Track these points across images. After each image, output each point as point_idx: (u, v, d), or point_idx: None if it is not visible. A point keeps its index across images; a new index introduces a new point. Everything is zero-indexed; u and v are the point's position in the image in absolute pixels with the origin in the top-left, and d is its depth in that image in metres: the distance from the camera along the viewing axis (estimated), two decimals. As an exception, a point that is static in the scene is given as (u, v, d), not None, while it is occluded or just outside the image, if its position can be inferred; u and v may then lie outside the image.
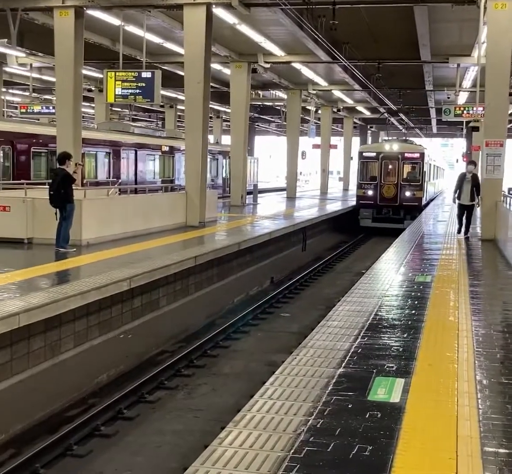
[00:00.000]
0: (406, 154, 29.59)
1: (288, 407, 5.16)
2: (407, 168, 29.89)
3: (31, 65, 27.44)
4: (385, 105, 34.23)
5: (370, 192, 29.49)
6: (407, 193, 29.26)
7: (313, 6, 16.00)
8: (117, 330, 10.90)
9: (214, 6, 17.06)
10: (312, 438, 4.61)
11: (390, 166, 29.57)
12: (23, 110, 27.63)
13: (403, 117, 38.58)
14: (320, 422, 4.88)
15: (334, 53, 19.84)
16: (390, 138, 37.35)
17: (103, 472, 6.75)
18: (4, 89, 29.46)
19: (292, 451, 4.40)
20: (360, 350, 6.69)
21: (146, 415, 8.19)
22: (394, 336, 7.27)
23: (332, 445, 4.51)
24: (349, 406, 5.20)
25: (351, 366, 6.18)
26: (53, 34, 17.78)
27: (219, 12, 17.58)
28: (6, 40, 19.34)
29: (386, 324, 7.77)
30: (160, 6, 17.30)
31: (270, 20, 19.09)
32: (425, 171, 30.26)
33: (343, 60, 21.04)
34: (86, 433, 7.44)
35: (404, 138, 37.45)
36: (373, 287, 10.12)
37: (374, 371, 6.05)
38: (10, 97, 38.63)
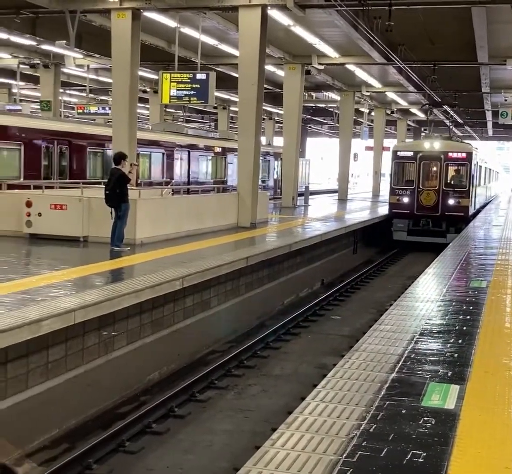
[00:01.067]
0: (450, 154, 24.39)
1: (341, 411, 5.14)
2: (451, 171, 24.86)
3: (88, 66, 27.98)
4: (439, 108, 33.73)
5: (405, 200, 24.45)
6: (451, 201, 24.09)
7: (369, 8, 15.88)
8: (169, 328, 11.01)
9: (269, 7, 17.09)
10: (365, 442, 4.57)
11: (430, 169, 24.58)
12: (80, 111, 28.17)
13: (448, 109, 33.67)
14: (373, 427, 4.84)
15: (389, 55, 19.66)
16: (433, 134, 31.54)
17: (154, 469, 6.83)
18: (61, 90, 30.04)
19: (344, 455, 4.37)
20: (413, 355, 6.62)
21: (197, 413, 8.26)
22: (448, 341, 7.16)
23: (385, 450, 4.46)
24: (403, 412, 5.15)
25: (404, 371, 6.11)
26: (110, 36, 18.08)
27: (274, 13, 17.61)
28: (65, 41, 19.76)
29: (440, 329, 7.66)
30: (216, 8, 17.42)
31: (324, 21, 19.03)
32: (473, 175, 25.26)
33: (398, 61, 20.85)
34: (138, 430, 7.54)
35: (448, 135, 32.30)
36: (426, 291, 9.99)
37: (428, 376, 5.97)
38: (67, 98, 39.41)
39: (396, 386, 5.71)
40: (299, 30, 19.77)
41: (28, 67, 27.84)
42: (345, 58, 24.15)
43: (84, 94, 34.10)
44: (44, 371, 8.07)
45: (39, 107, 28.76)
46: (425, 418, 5.04)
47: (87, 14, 18.67)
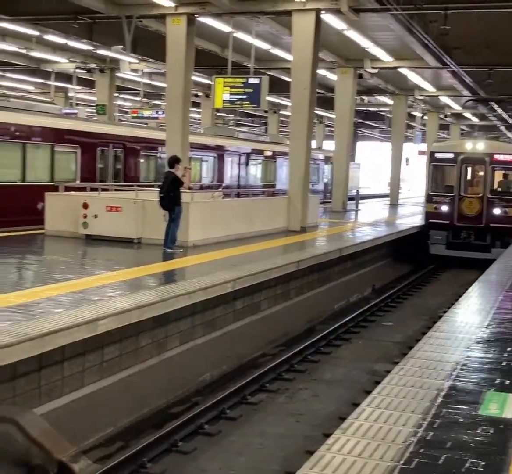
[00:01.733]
0: (496, 157, 21.19)
1: (397, 418, 5.10)
2: (497, 175, 21.73)
3: (142, 71, 28.39)
4: (494, 112, 33.16)
5: (444, 208, 21.34)
6: (497, 211, 20.99)
7: (425, 11, 15.75)
8: (220, 330, 11.09)
9: (323, 12, 17.09)
10: (422, 450, 4.53)
11: (473, 173, 21.80)
12: (134, 115, 28.58)
13: (496, 107, 31.58)
14: (430, 434, 4.79)
15: (444, 58, 19.45)
16: (477, 133, 29.03)
17: (207, 470, 6.88)
18: (116, 94, 30.55)
19: (402, 462, 4.34)
20: (469, 363, 6.53)
21: (248, 416, 8.29)
22: (505, 350, 7.04)
23: (443, 458, 4.42)
24: (460, 420, 5.08)
25: (460, 379, 6.04)
26: (165, 41, 18.31)
27: (328, 18, 17.59)
28: (121, 46, 20.12)
29: (496, 338, 7.53)
30: (270, 13, 17.49)
31: (378, 25, 18.93)
32: None
33: (453, 65, 20.60)
34: (191, 430, 7.61)
35: (495, 135, 29.58)
36: (482, 298, 9.84)
37: (485, 385, 5.88)
38: (121, 102, 40.04)
39: (452, 394, 5.64)
40: (352, 34, 19.70)
41: (84, 71, 28.40)
42: (398, 62, 23.96)
43: (138, 99, 34.60)
44: (99, 370, 8.22)
45: (94, 111, 29.29)
46: (483, 427, 4.96)
47: (142, 19, 18.94)
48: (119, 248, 13.00)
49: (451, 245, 21.40)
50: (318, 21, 17.21)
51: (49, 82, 30.25)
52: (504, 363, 6.56)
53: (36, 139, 17.23)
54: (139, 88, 31.35)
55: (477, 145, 21.52)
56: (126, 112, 38.09)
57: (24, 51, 25.05)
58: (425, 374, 6.13)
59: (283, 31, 19.42)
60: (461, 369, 6.30)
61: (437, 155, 21.83)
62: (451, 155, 21.48)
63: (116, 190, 16.87)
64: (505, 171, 21.85)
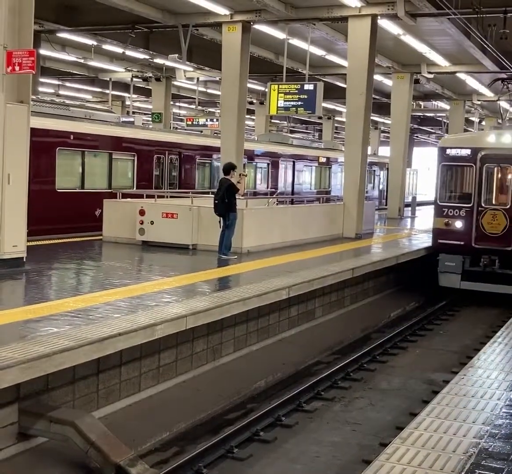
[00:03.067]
0: None
1: (457, 428, 4.99)
2: None
3: (197, 79, 28.70)
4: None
5: (458, 224, 16.03)
6: None
7: (483, 15, 15.48)
8: (274, 337, 11.07)
9: (379, 17, 16.97)
10: (484, 461, 4.43)
11: (498, 176, 16.08)
12: (189, 123, 28.88)
13: None
14: (492, 446, 4.68)
15: (504, 63, 19.08)
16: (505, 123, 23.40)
17: (262, 477, 6.86)
18: (171, 102, 30.94)
19: (463, 473, 4.24)
20: (532, 373, 6.35)
21: (303, 424, 8.23)
22: None
23: (505, 470, 4.30)
24: (523, 432, 4.94)
25: (523, 389, 5.88)
26: (220, 48, 18.46)
27: (384, 23, 17.47)
28: (177, 55, 20.37)
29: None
30: (325, 19, 17.47)
31: (435, 30, 18.69)
32: None
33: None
34: (246, 437, 7.60)
35: None
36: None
37: (549, 396, 5.71)
38: (176, 110, 40.55)
39: (515, 404, 5.50)
40: (408, 39, 19.52)
41: (141, 80, 28.86)
42: (456, 67, 23.63)
43: (193, 106, 34.98)
44: (155, 374, 8.29)
45: (150, 119, 29.72)
46: (547, 440, 4.81)
47: (198, 28, 19.14)
48: (174, 254, 13.12)
49: (468, 275, 15.94)
50: (374, 26, 17.10)
51: (107, 91, 30.86)
52: None
53: (95, 147, 17.57)
54: (194, 96, 31.69)
55: (504, 138, 15.87)
56: (181, 120, 38.54)
57: (82, 61, 25.61)
58: (486, 384, 6.00)
59: (338, 37, 19.35)
60: (524, 380, 6.14)
61: (450, 152, 16.20)
62: (468, 152, 15.94)
63: (171, 197, 17.05)
64: None
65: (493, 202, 15.99)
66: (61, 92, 35.94)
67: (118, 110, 33.34)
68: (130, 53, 23.68)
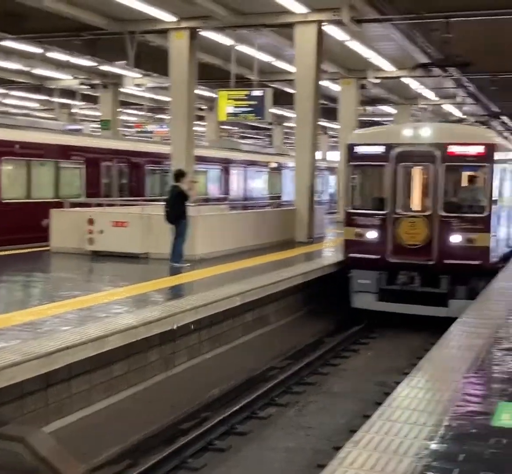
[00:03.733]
0: (452, 149, 13.17)
1: (408, 430, 5.02)
2: (454, 179, 14.10)
3: (146, 85, 28.49)
4: (499, 119, 33.14)
5: (370, 235, 13.66)
6: (456, 238, 13.16)
7: (426, 20, 15.77)
8: (228, 344, 11.02)
9: (324, 23, 17.13)
10: (435, 463, 4.46)
11: (416, 177, 13.95)
12: (138, 129, 28.68)
13: (507, 120, 29.11)
14: (443, 447, 4.72)
15: (447, 67, 19.45)
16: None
17: (217, 487, 6.80)
18: (120, 109, 30.67)
19: (414, 475, 4.27)
20: (481, 372, 6.45)
21: (258, 431, 8.21)
22: (516, 359, 6.95)
23: (456, 471, 4.34)
24: (472, 431, 5.00)
25: (472, 389, 5.96)
26: (168, 55, 18.39)
27: (330, 29, 17.63)
28: (124, 62, 20.22)
29: (509, 346, 7.44)
30: (272, 25, 17.56)
31: (380, 35, 18.97)
32: (497, 187, 13.90)
33: (456, 73, 20.58)
34: (200, 446, 7.53)
35: (455, 118, 21.84)
36: (492, 306, 9.74)
37: (497, 395, 5.80)
38: (125, 117, 40.19)
39: (464, 405, 5.56)
40: (354, 45, 19.75)
41: (88, 87, 28.53)
42: (401, 72, 23.98)
43: (142, 113, 34.74)
44: (107, 387, 8.17)
45: (98, 126, 29.40)
46: (496, 438, 4.88)
47: (145, 34, 19.03)
48: (125, 264, 12.98)
49: (385, 294, 13.62)
50: (320, 32, 17.25)
51: (53, 99, 30.41)
52: (516, 372, 6.47)
53: (41, 156, 17.28)
54: (143, 103, 31.48)
55: (422, 132, 13.48)
56: (130, 127, 38.23)
57: (27, 69, 25.20)
58: (436, 385, 6.06)
59: (285, 43, 19.47)
60: (472, 379, 6.22)
61: (359, 150, 13.80)
62: (380, 149, 13.54)
63: (121, 205, 16.88)
64: (469, 173, 13.91)
65: (411, 208, 13.67)
66: (6, 101, 35.30)
67: (65, 118, 32.89)
68: (76, 60, 23.39)
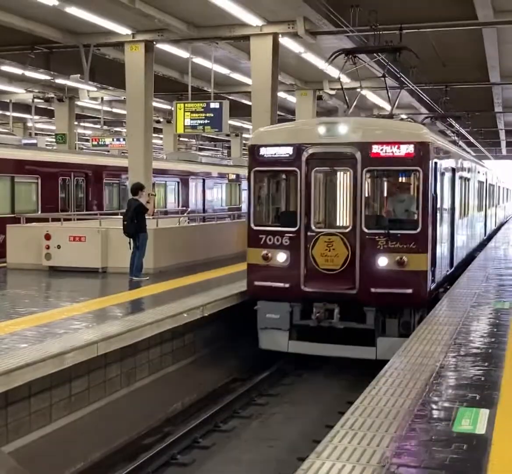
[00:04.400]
0: (376, 149, 10.69)
1: (370, 438, 5.04)
2: (378, 187, 11.54)
3: (102, 98, 28.32)
4: (453, 128, 33.77)
5: (280, 258, 11.07)
6: (382, 261, 10.65)
7: (380, 32, 16.00)
8: (190, 357, 10.95)
9: (280, 36, 17.27)
10: (398, 469, 4.48)
11: (334, 185, 11.33)
12: (95, 143, 28.46)
13: (454, 123, 28.06)
14: (405, 453, 4.75)
15: (401, 78, 19.75)
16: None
17: (182, 502, 6.73)
18: (76, 123, 30.41)
19: (377, 484, 4.28)
20: (440, 379, 6.52)
21: (221, 444, 8.16)
22: (475, 364, 7.05)
23: (419, 478, 4.38)
24: (433, 437, 5.05)
25: (432, 396, 6.01)
26: (123, 68, 18.32)
27: (285, 41, 17.78)
28: (79, 75, 20.07)
29: (466, 352, 7.55)
30: (227, 38, 17.63)
31: (335, 47, 19.12)
32: (437, 195, 11.47)
33: (410, 84, 20.93)
34: (164, 461, 7.46)
35: (384, 114, 20.00)
36: (450, 313, 9.88)
37: (457, 401, 5.87)
38: (81, 130, 39.88)
39: (424, 411, 5.61)
40: (310, 57, 19.94)
41: (43, 101, 28.24)
42: (357, 83, 24.25)
43: (98, 126, 34.50)
44: (67, 404, 8.04)
45: (54, 140, 29.10)
46: (457, 444, 4.93)
47: (100, 47, 18.94)
48: (84, 279, 12.83)
49: (299, 332, 11.09)
50: (276, 45, 17.38)
51: (7, 113, 30.01)
52: (474, 378, 6.56)
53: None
54: (99, 116, 31.27)
55: (340, 128, 10.83)
56: (87, 140, 37.90)
57: (-19, 82, 24.86)
58: (396, 393, 6.10)
59: (241, 55, 19.57)
60: (432, 386, 6.28)
61: (264, 152, 11.18)
62: (289, 151, 11.02)
63: (79, 219, 16.70)
64: (396, 179, 11.45)
65: (328, 224, 11.10)
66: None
67: (19, 132, 32.49)
68: (30, 74, 23.13)
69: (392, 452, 4.74)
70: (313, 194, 10.97)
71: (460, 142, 32.52)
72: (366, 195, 10.87)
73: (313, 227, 10.87)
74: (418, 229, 10.63)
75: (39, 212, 18.06)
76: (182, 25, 16.77)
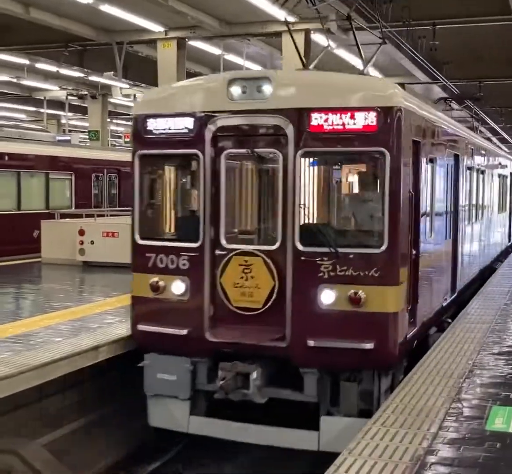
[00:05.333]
0: (317, 120, 6.76)
1: (403, 435, 5.04)
2: (322, 180, 7.55)
3: (134, 95, 28.52)
4: (486, 125, 33.41)
5: (175, 289, 7.25)
6: (327, 297, 6.78)
7: (413, 27, 15.91)
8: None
9: (312, 32, 17.23)
10: (430, 467, 4.48)
11: (254, 178, 7.63)
12: (127, 140, 28.70)
13: (471, 105, 23.80)
14: (438, 451, 4.74)
15: (434, 74, 19.61)
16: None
17: None
18: (108, 120, 30.69)
19: (410, 481, 4.28)
20: (473, 377, 6.48)
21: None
22: (508, 363, 6.99)
23: (452, 475, 4.36)
24: (467, 436, 5.03)
25: (464, 394, 5.98)
26: (156, 65, 18.45)
27: (317, 37, 17.74)
28: (112, 72, 20.27)
29: (499, 351, 7.48)
30: (259, 34, 17.67)
31: (368, 43, 19.06)
32: (429, 193, 8.26)
33: (443, 80, 20.75)
34: None
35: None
36: (482, 311, 9.79)
37: (490, 399, 5.83)
38: (114, 127, 40.22)
39: (457, 409, 5.59)
40: (341, 52, 19.86)
41: (76, 98, 28.56)
42: (389, 78, 24.11)
43: (130, 123, 34.72)
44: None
45: (87, 137, 29.42)
46: (490, 442, 4.91)
47: (133, 45, 19.10)
48: (116, 274, 12.93)
49: (206, 403, 7.59)
50: (308, 41, 17.35)
51: (41, 110, 30.41)
52: (508, 376, 6.51)
53: (30, 167, 17.27)
54: (131, 113, 31.48)
55: (262, 87, 7.11)
56: (119, 137, 38.26)
57: (15, 80, 25.21)
58: (429, 391, 6.08)
59: (273, 52, 19.57)
60: (465, 384, 6.25)
61: (154, 125, 7.62)
62: (186, 124, 7.38)
63: (111, 215, 16.86)
64: (354, 167, 7.70)
65: (245, 237, 7.58)
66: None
67: (54, 129, 32.90)
68: (64, 71, 23.42)
69: (425, 450, 4.73)
70: (224, 192, 7.24)
71: (486, 133, 30.73)
72: (303, 193, 7.00)
73: (223, 243, 7.16)
74: (384, 247, 6.71)
75: (73, 208, 18.27)
76: (214, 22, 16.84)
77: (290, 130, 6.91)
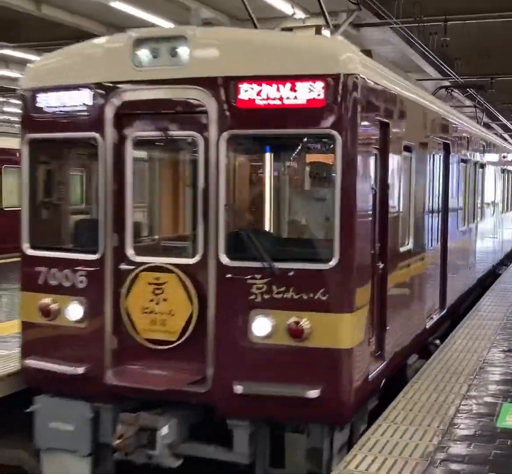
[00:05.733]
0: (247, 92, 5.21)
1: (413, 432, 5.05)
2: (251, 169, 6.64)
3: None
4: (498, 121, 33.27)
5: (71, 314, 5.73)
6: (260, 327, 5.23)
7: (424, 24, 15.82)
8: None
9: (323, 28, 17.16)
10: (441, 464, 4.48)
11: (167, 169, 6.88)
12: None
13: (475, 94, 22.31)
14: (448, 448, 4.74)
15: (446, 70, 19.53)
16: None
17: None
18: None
19: (420, 477, 4.28)
20: (483, 374, 6.47)
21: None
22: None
23: (461, 472, 4.36)
24: (477, 432, 5.03)
25: (475, 391, 5.98)
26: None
27: (328, 34, 17.67)
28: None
29: (509, 348, 7.47)
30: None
31: (378, 39, 18.99)
32: (402, 184, 6.51)
33: (455, 76, 20.66)
34: None
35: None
36: (494, 308, 9.77)
37: (501, 397, 5.82)
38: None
39: (468, 406, 5.59)
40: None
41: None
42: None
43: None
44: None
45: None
46: (501, 439, 4.91)
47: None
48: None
49: (114, 462, 5.78)
50: (318, 37, 17.29)
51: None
52: (519, 374, 6.50)
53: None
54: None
55: (177, 49, 5.46)
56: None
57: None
58: (439, 387, 6.08)
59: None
60: (476, 382, 6.25)
61: (45, 102, 5.93)
62: (82, 98, 5.74)
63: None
64: (296, 155, 6.26)
65: (157, 247, 6.61)
66: (6, 109, 35.42)
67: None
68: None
69: (435, 446, 4.74)
70: (131, 189, 5.72)
71: (489, 122, 29.96)
72: (229, 190, 5.54)
73: (129, 255, 5.69)
74: (334, 261, 5.18)
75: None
76: (225, 18, 16.81)
77: (212, 106, 5.29)
